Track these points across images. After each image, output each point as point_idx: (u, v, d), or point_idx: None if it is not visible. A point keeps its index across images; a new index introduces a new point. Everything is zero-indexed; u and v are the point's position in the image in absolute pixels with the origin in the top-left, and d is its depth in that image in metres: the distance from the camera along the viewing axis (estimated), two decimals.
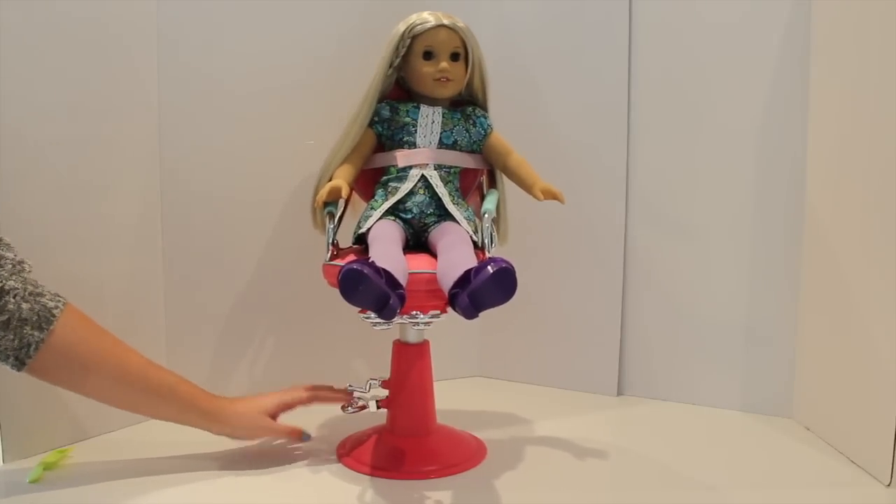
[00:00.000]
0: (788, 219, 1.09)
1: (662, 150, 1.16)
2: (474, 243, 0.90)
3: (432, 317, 0.87)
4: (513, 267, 0.77)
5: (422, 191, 0.93)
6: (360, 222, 0.94)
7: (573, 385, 1.22)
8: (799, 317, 1.09)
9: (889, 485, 0.87)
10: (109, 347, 0.86)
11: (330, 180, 0.93)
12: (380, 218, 0.92)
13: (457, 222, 0.92)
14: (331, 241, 0.92)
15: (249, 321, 1.15)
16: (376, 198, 0.95)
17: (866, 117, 0.93)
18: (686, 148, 1.15)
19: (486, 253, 0.90)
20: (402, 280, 0.80)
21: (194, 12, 1.07)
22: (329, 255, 0.92)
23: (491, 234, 0.91)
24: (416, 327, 0.90)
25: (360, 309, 0.80)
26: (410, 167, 0.93)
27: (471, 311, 0.78)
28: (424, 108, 0.96)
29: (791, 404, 1.10)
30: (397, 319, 0.83)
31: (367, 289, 0.76)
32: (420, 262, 0.88)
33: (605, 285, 1.20)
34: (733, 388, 1.14)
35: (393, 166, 0.95)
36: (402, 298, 0.78)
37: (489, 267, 0.76)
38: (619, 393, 1.21)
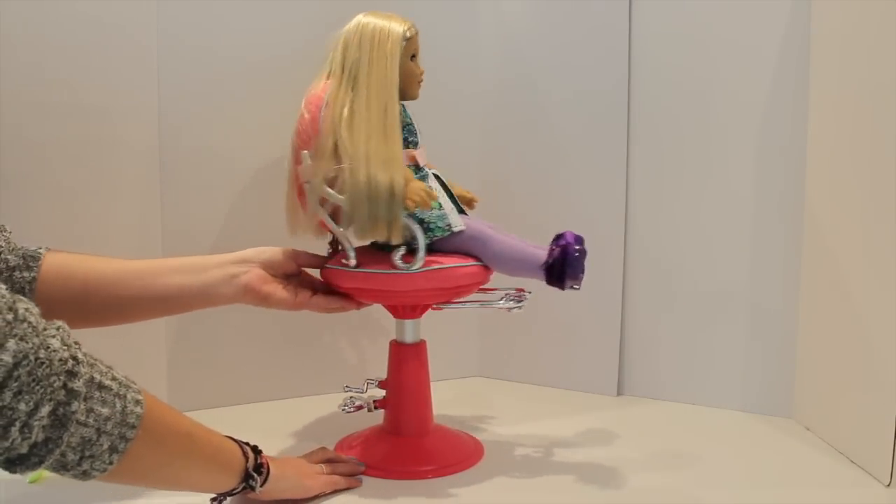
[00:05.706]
0: (788, 219, 1.08)
1: (662, 150, 1.16)
2: None
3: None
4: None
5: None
6: (434, 223, 0.89)
7: (573, 385, 1.22)
8: (799, 317, 1.09)
9: (889, 485, 0.87)
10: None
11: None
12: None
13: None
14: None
15: (248, 321, 1.15)
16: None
17: (866, 118, 0.92)
18: (685, 148, 1.14)
19: None
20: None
21: (194, 12, 1.07)
22: (353, 261, 0.88)
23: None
24: (515, 308, 0.96)
25: None
26: (423, 166, 0.93)
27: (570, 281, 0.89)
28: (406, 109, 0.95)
29: (791, 404, 1.10)
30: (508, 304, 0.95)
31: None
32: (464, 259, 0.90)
33: (605, 285, 1.19)
34: (733, 388, 1.14)
35: (412, 165, 0.91)
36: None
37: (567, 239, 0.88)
38: (619, 393, 1.21)
